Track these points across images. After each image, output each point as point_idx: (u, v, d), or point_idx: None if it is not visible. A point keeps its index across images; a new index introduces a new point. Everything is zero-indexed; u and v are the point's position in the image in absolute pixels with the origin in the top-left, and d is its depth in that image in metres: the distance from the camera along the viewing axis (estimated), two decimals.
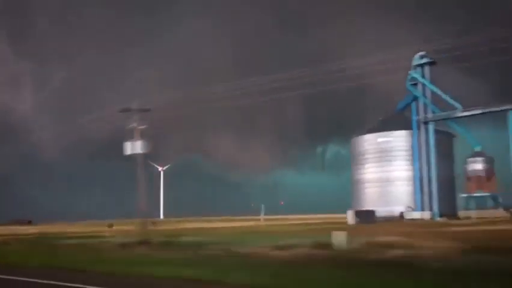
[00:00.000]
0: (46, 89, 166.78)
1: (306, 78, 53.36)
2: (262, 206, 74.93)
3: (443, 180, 61.32)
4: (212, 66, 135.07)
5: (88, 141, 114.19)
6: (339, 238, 17.51)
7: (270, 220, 71.57)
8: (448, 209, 60.18)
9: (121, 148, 24.91)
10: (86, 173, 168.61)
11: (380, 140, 66.78)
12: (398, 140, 65.88)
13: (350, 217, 59.43)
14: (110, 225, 65.61)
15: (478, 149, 60.60)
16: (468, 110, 58.71)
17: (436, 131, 63.11)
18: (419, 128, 62.59)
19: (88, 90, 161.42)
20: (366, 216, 58.68)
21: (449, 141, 67.08)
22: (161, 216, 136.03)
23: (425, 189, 61.41)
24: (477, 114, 58.53)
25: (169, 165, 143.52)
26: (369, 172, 67.85)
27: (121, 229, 51.94)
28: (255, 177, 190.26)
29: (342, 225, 45.75)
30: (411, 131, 63.65)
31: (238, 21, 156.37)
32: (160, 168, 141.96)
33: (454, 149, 67.24)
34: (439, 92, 60.66)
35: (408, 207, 60.77)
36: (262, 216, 70.27)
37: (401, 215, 60.17)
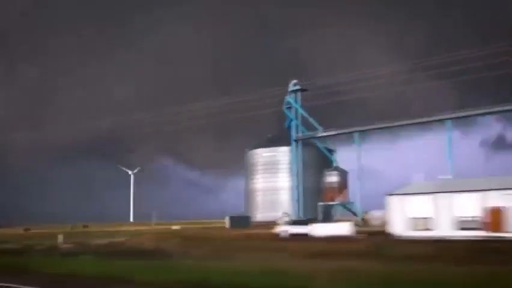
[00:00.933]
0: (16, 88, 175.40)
1: None
2: (153, 212, 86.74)
3: (317, 191, 71.28)
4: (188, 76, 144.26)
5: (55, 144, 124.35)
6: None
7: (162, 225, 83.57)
8: (315, 215, 70.46)
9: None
10: (55, 175, 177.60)
11: (265, 154, 77.34)
12: (281, 154, 76.23)
13: (227, 222, 70.62)
14: (27, 229, 77.14)
15: (335, 163, 70.74)
16: (326, 131, 68.98)
17: (318, 148, 73.33)
18: (296, 145, 72.92)
19: (59, 91, 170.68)
20: (240, 221, 69.52)
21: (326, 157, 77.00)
22: (131, 219, 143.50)
23: (300, 198, 71.82)
24: (332, 134, 68.86)
25: (138, 168, 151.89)
26: (259, 182, 78.40)
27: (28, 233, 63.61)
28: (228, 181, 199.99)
29: (208, 230, 56.96)
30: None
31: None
32: (130, 172, 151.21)
33: (334, 162, 77.29)
34: (306, 115, 70.99)
35: (284, 213, 71.13)
36: (153, 221, 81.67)
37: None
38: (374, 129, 66.35)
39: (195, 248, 23.51)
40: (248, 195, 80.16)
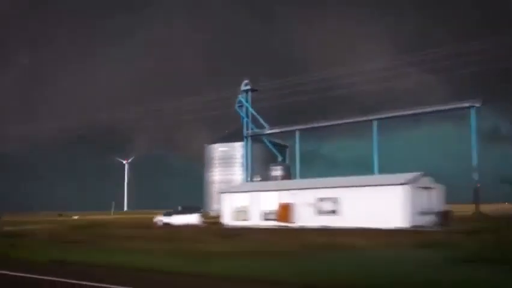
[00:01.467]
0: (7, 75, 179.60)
1: None
2: (113, 203, 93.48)
3: None
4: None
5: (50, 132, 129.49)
6: None
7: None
8: None
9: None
10: (51, 164, 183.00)
11: (221, 149, 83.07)
12: (236, 149, 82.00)
13: None
14: None
15: (280, 159, 76.35)
16: (271, 129, 74.62)
17: (274, 143, 79.10)
18: (247, 141, 78.61)
19: (51, 79, 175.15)
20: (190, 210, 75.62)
21: (283, 151, 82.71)
22: (125, 208, 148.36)
23: None
24: (277, 132, 74.51)
25: (132, 157, 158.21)
26: (216, 175, 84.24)
27: None
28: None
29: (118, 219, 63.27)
30: (262, 143, 79.42)
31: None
32: (124, 161, 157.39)
33: (286, 157, 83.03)
34: (255, 114, 76.59)
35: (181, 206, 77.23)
36: (112, 211, 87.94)
37: None
38: (312, 128, 71.86)
39: (70, 235, 29.39)
40: (207, 186, 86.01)
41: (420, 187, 37.90)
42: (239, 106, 78.59)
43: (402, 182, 36.37)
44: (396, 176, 40.20)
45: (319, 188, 41.21)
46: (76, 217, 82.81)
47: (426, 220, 36.29)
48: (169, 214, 49.49)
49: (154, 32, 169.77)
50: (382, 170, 59.54)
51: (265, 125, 75.19)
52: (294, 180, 48.41)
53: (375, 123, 64.46)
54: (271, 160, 78.77)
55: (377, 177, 48.03)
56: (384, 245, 20.94)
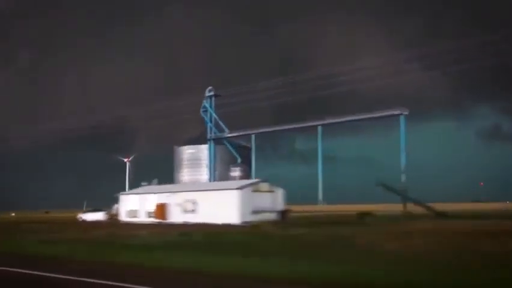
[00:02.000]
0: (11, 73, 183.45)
1: None
2: (85, 202, 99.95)
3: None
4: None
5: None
6: None
7: None
8: None
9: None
10: (54, 162, 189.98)
11: (189, 151, 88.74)
12: (202, 151, 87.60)
13: None
14: None
15: (239, 160, 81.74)
16: (230, 133, 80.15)
17: (239, 145, 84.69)
18: (210, 144, 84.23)
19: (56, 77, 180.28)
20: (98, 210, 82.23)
21: (247, 153, 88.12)
22: None
23: None
24: (235, 135, 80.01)
25: (133, 156, 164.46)
26: (186, 175, 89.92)
27: None
28: None
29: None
30: (223, 144, 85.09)
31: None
32: (125, 160, 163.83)
33: (251, 159, 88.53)
34: (217, 118, 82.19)
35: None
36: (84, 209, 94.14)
37: None
38: (266, 132, 77.28)
39: None
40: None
41: (257, 191, 45.07)
42: (203, 111, 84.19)
43: (237, 187, 43.50)
44: (238, 182, 47.83)
45: (184, 191, 49.57)
46: (13, 214, 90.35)
47: (264, 217, 42.95)
48: (86, 212, 60.86)
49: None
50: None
51: (225, 129, 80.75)
52: (171, 185, 57.88)
53: (319, 129, 69.67)
54: (235, 161, 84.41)
55: (223, 183, 55.31)
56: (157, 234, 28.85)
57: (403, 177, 61.82)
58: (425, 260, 16.51)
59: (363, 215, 57.04)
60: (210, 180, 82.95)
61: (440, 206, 63.79)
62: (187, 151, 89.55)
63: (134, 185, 64.27)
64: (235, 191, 44.85)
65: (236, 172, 78.98)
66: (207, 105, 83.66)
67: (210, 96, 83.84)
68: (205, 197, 47.38)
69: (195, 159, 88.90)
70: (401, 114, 62.53)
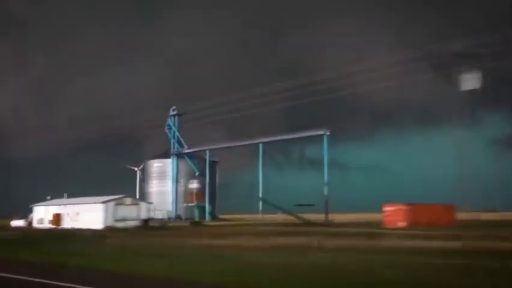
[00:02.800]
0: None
1: None
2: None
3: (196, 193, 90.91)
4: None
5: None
6: None
7: None
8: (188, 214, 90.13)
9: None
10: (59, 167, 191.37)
11: (156, 164, 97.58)
12: (167, 165, 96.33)
13: None
14: None
15: (197, 173, 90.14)
16: (189, 149, 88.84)
17: (204, 159, 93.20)
18: (173, 158, 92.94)
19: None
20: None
21: (214, 166, 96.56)
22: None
23: (179, 199, 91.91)
24: (192, 151, 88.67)
25: (143, 164, 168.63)
26: (153, 186, 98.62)
27: None
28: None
29: None
30: (184, 158, 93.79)
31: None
32: (136, 169, 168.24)
33: (216, 171, 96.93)
34: (179, 135, 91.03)
35: (167, 212, 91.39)
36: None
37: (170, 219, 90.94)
38: (219, 148, 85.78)
39: None
40: (146, 197, 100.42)
41: (121, 204, 59.35)
42: (168, 128, 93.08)
43: (102, 201, 58.78)
44: (104, 197, 60.33)
45: (72, 204, 64.38)
46: None
47: (127, 224, 55.64)
48: (15, 219, 71.45)
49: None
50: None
51: (184, 145, 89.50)
52: (66, 199, 69.32)
53: (260, 146, 77.88)
54: (199, 174, 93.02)
55: (96, 198, 65.15)
56: None
57: (325, 190, 69.62)
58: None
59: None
60: (172, 191, 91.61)
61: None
62: (155, 165, 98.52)
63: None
64: (100, 204, 58.80)
65: (194, 184, 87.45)
66: (171, 123, 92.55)
67: (174, 115, 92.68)
68: (84, 209, 61.39)
69: (161, 172, 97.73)
70: (324, 134, 70.55)
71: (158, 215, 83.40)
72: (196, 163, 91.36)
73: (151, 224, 59.29)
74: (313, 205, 68.70)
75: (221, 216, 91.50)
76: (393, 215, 47.43)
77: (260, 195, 74.17)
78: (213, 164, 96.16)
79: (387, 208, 49.38)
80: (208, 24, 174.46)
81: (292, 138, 76.09)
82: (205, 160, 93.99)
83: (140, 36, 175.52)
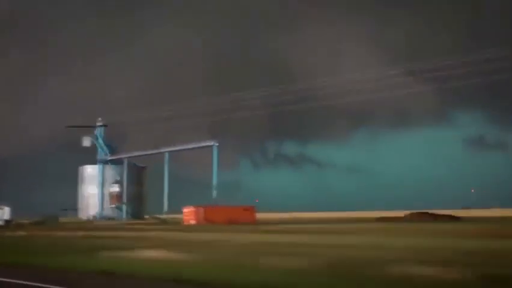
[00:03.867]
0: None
1: None
2: None
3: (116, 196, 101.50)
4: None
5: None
6: None
7: None
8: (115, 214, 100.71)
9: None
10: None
11: (89, 169, 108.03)
12: (99, 170, 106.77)
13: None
14: None
15: (118, 178, 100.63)
16: (111, 156, 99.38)
17: (134, 165, 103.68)
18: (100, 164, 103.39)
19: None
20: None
21: (141, 171, 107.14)
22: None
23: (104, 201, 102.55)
24: (113, 159, 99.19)
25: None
26: (88, 189, 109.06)
27: None
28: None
29: None
30: (108, 165, 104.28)
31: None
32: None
33: (143, 176, 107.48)
34: (102, 144, 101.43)
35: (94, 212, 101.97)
36: None
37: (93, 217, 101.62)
38: (135, 156, 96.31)
39: None
40: (81, 199, 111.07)
41: None
42: (95, 138, 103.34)
43: None
44: None
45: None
46: None
47: None
48: None
49: None
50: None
51: (107, 153, 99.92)
52: None
53: (166, 155, 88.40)
54: (130, 179, 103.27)
55: None
56: None
57: (214, 193, 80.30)
58: None
59: None
60: (99, 194, 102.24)
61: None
62: (88, 169, 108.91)
63: None
64: None
65: (115, 188, 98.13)
66: (97, 133, 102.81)
67: (100, 126, 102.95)
68: None
69: (93, 176, 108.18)
70: (213, 145, 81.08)
71: None
72: (124, 169, 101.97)
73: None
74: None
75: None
76: (188, 215, 59.15)
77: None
78: (140, 169, 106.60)
79: (185, 210, 61.97)
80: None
81: (177, 150, 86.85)
82: (133, 166, 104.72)
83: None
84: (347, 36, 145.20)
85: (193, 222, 56.95)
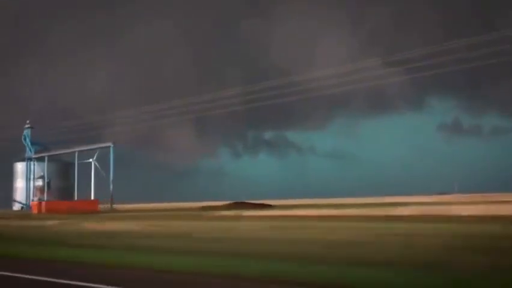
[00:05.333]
0: None
1: None
2: None
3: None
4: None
5: None
6: None
7: None
8: None
9: None
10: None
11: (20, 166, 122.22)
12: (27, 167, 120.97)
13: None
14: None
15: (42, 173, 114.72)
16: (34, 155, 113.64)
17: (62, 161, 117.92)
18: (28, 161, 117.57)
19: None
20: None
21: (68, 167, 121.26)
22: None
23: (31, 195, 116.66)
24: (35, 157, 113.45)
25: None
26: (19, 183, 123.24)
27: None
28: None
29: None
30: (35, 161, 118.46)
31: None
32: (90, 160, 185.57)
33: (70, 171, 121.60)
34: (29, 144, 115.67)
35: (22, 203, 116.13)
36: None
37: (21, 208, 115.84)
38: (54, 154, 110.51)
39: None
40: (15, 192, 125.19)
41: None
42: (24, 139, 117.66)
43: None
44: None
45: None
46: None
47: None
48: None
49: None
50: None
51: (32, 151, 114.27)
52: None
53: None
54: (56, 175, 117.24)
55: None
56: None
57: (111, 187, 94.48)
58: None
59: None
60: (26, 188, 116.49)
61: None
62: (19, 166, 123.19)
63: None
64: None
65: (39, 182, 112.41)
66: (26, 135, 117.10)
67: (28, 128, 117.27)
68: None
69: (22, 172, 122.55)
70: (111, 146, 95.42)
71: None
72: (53, 165, 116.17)
73: None
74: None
75: None
76: (34, 205, 73.58)
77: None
78: (69, 164, 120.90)
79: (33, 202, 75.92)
80: None
81: (78, 151, 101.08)
82: (61, 162, 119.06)
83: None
84: (324, 25, 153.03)
85: (35, 211, 71.23)
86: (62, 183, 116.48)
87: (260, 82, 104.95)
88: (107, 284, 10.35)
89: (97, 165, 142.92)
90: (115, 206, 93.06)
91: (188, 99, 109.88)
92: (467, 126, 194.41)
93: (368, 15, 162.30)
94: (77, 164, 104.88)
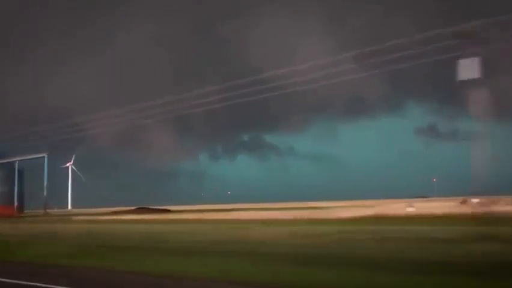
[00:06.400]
0: None
1: None
2: None
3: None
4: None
5: None
6: None
7: None
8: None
9: None
10: None
11: None
12: None
13: None
14: None
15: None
16: None
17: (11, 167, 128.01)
18: None
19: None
20: None
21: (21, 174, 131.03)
22: (69, 207, 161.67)
23: None
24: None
25: (72, 159, 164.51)
26: None
27: None
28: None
29: None
30: None
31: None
32: (68, 164, 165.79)
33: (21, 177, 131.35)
34: None
35: None
36: None
37: None
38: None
39: None
40: None
41: None
42: None
43: None
44: None
45: None
46: None
47: None
48: None
49: None
50: None
51: None
52: None
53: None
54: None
55: None
56: None
57: (45, 193, 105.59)
58: None
59: None
60: None
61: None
62: None
63: None
64: None
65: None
66: None
67: None
68: None
69: None
70: (45, 156, 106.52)
71: None
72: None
73: None
74: None
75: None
76: None
77: None
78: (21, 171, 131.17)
79: None
80: None
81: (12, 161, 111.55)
82: (9, 168, 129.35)
83: None
84: (300, 26, 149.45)
85: None
86: (6, 188, 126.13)
87: (238, 82, 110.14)
88: None
89: (74, 168, 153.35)
90: (54, 211, 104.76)
91: (166, 99, 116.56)
92: (444, 130, 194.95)
93: (349, 15, 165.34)
94: (23, 170, 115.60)
